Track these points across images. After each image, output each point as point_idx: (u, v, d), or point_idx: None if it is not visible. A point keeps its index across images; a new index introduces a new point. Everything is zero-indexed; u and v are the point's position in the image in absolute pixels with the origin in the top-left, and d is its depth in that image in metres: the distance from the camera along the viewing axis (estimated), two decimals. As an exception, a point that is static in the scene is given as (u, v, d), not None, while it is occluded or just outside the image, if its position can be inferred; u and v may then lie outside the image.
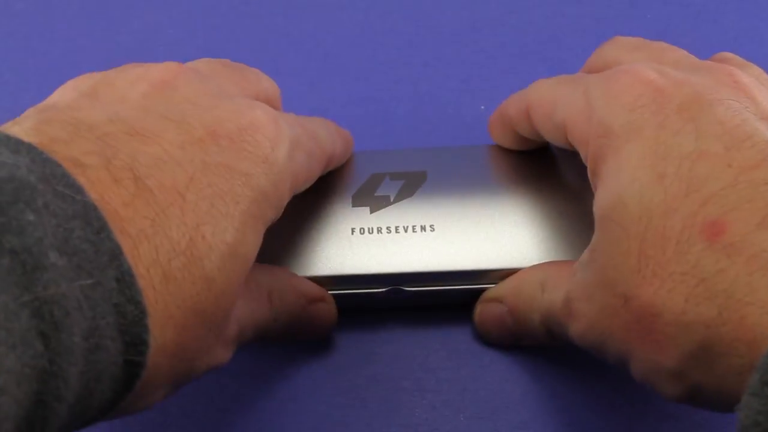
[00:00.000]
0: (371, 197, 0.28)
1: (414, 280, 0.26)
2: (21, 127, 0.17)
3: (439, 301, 0.28)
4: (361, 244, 0.27)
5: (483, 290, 0.27)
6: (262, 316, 0.23)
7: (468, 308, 0.28)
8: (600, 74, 0.23)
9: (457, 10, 0.39)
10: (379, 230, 0.27)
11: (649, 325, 0.19)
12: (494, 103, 0.29)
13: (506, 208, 0.27)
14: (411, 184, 0.28)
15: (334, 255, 0.26)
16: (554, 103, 0.24)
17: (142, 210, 0.17)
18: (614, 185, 0.20)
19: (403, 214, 0.27)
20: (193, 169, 0.19)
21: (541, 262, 0.26)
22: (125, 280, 0.16)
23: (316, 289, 0.26)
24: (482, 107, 0.35)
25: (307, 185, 0.25)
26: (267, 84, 0.26)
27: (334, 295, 0.26)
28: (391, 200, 0.28)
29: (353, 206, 0.28)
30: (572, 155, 0.26)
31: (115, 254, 0.16)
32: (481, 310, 0.27)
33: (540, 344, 0.27)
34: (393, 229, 0.27)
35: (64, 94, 0.21)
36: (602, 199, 0.21)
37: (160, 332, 0.17)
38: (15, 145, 0.15)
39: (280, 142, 0.21)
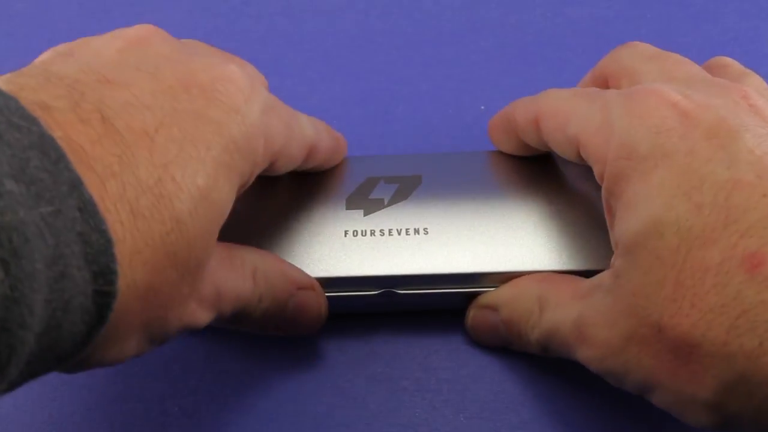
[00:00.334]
0: (365, 200, 0.28)
1: (407, 283, 0.26)
2: None
3: (433, 307, 0.28)
4: (354, 246, 0.27)
5: (477, 294, 0.27)
6: (244, 291, 0.23)
7: (463, 314, 0.28)
8: (620, 92, 0.23)
9: (457, 10, 0.39)
10: (372, 233, 0.27)
11: (686, 356, 0.19)
12: (494, 103, 0.29)
13: (502, 211, 0.27)
14: (406, 188, 0.28)
15: (327, 257, 0.26)
16: (568, 115, 0.24)
17: (109, 148, 0.17)
18: (645, 213, 0.20)
19: (397, 217, 0.27)
20: (162, 114, 0.19)
21: (536, 266, 0.26)
22: (87, 210, 0.16)
23: (304, 277, 0.26)
24: (482, 107, 0.35)
25: (288, 164, 0.25)
26: (252, 67, 0.26)
27: (327, 297, 0.26)
28: (385, 203, 0.28)
29: (347, 209, 0.28)
30: (573, 164, 0.26)
31: (75, 184, 0.15)
32: (474, 315, 0.27)
33: (530, 353, 0.27)
34: (386, 232, 0.27)
35: (43, 55, 0.21)
36: (631, 224, 0.20)
37: (129, 269, 0.17)
38: None
39: (253, 97, 0.21)
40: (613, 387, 0.22)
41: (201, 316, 0.21)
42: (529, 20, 0.38)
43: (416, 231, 0.27)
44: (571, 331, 0.22)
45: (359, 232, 0.27)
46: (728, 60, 0.25)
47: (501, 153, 0.29)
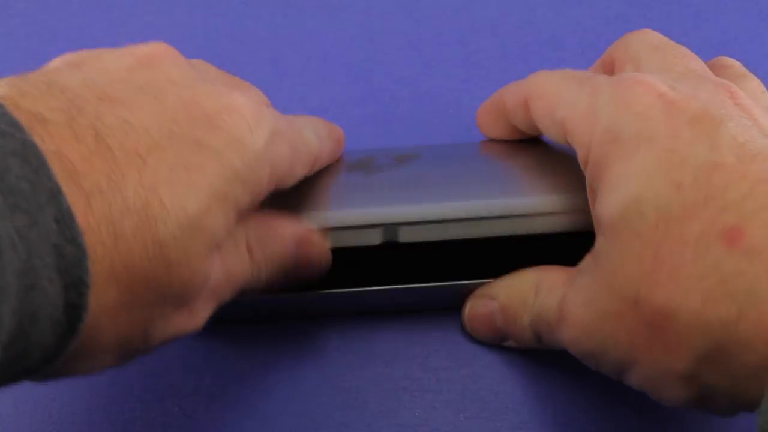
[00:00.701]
0: (367, 167, 0.28)
1: (411, 228, 0.25)
2: None
3: (432, 303, 0.28)
4: (357, 192, 0.26)
5: (475, 287, 0.27)
6: (242, 274, 0.22)
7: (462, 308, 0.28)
8: (609, 79, 0.23)
9: (457, 10, 0.39)
10: (375, 186, 0.27)
11: (661, 328, 0.19)
12: (494, 103, 0.29)
13: (503, 162, 0.28)
14: (406, 159, 0.28)
15: (330, 202, 0.26)
16: (556, 98, 0.24)
17: (99, 166, 0.17)
18: (625, 192, 0.20)
19: (401, 175, 0.27)
20: (159, 136, 0.18)
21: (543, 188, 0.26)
22: (65, 220, 0.15)
23: (299, 227, 0.25)
24: (482, 107, 0.35)
25: (291, 182, 0.24)
26: (256, 90, 0.26)
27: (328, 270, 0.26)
28: (386, 168, 0.28)
29: (347, 172, 0.28)
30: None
31: (54, 193, 0.15)
32: (472, 305, 0.27)
33: (525, 347, 0.27)
34: (389, 186, 0.27)
35: (53, 62, 0.21)
36: (610, 204, 0.21)
37: (103, 287, 0.17)
38: None
39: (259, 126, 0.21)
40: (614, 387, 0.22)
41: (191, 322, 0.21)
42: (529, 20, 0.38)
43: (419, 184, 0.26)
44: (554, 312, 0.23)
45: (361, 186, 0.27)
46: (731, 61, 0.25)
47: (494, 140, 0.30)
